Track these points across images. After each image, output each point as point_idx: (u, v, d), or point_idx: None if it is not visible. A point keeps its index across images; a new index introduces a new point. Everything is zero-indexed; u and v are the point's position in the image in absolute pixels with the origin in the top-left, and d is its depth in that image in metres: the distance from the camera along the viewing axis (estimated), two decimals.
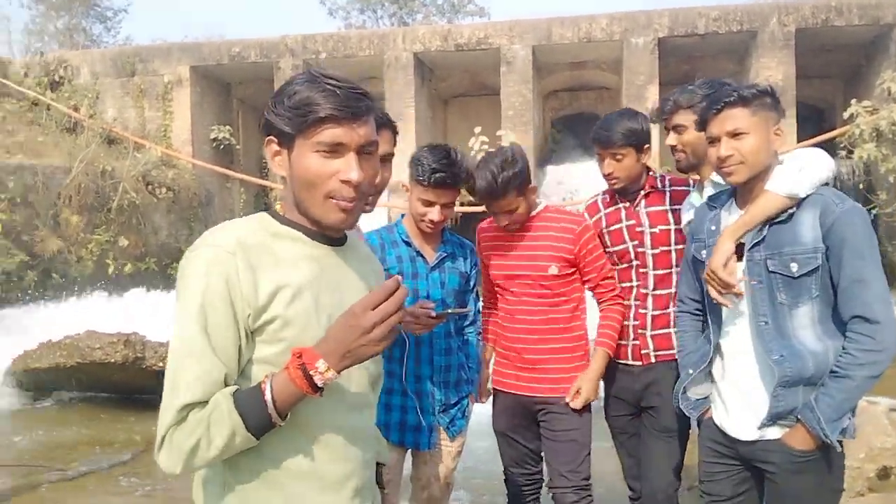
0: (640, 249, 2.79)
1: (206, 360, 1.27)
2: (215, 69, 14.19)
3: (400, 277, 1.36)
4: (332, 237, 1.44)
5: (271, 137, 1.39)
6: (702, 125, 2.15)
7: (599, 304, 2.85)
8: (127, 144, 13.21)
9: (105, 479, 4.70)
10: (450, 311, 2.34)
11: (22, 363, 6.60)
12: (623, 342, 2.81)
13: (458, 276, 2.68)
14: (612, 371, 2.84)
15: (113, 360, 6.12)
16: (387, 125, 2.11)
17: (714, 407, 2.24)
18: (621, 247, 2.84)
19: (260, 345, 1.33)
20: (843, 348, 1.96)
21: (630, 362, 2.80)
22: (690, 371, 2.28)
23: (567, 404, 2.75)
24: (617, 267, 2.88)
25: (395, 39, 13.49)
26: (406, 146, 13.37)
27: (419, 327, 2.31)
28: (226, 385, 1.29)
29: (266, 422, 1.26)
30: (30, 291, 10.68)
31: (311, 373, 1.25)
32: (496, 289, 2.91)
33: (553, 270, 2.74)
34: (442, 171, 2.42)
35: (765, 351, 2.03)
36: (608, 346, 2.77)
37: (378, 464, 1.63)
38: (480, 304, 2.86)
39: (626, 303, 2.83)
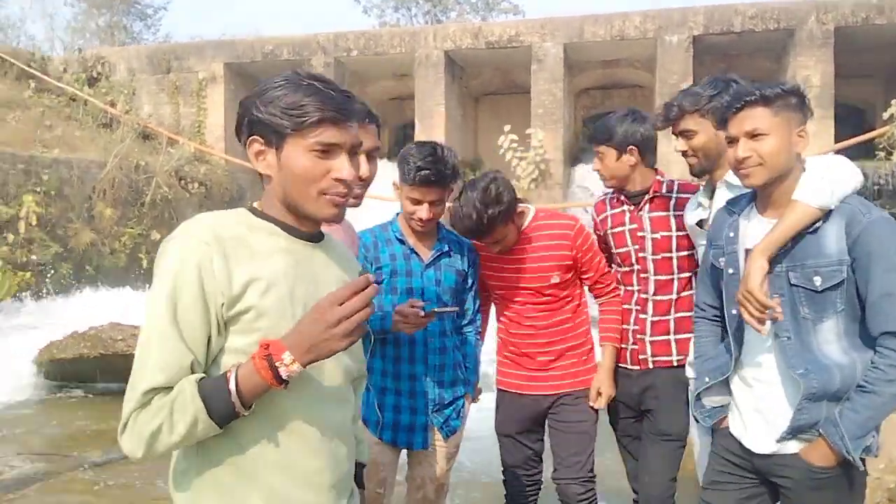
0: (641, 254, 2.75)
1: (172, 347, 1.29)
2: (249, 66, 14.34)
3: (371, 276, 1.36)
4: (310, 234, 1.48)
5: (255, 137, 1.42)
6: (722, 123, 2.07)
7: (597, 299, 2.85)
8: (161, 140, 13.43)
9: (123, 469, 4.76)
10: (437, 309, 2.30)
11: (48, 353, 6.74)
12: (623, 346, 2.77)
13: (454, 273, 2.64)
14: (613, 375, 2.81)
15: (134, 352, 6.18)
16: (373, 120, 2.08)
17: (731, 417, 2.15)
18: (623, 250, 2.81)
19: (233, 335, 1.35)
20: (872, 363, 1.85)
21: (629, 366, 2.76)
22: (707, 379, 2.18)
23: (578, 397, 2.77)
24: (620, 269, 2.85)
25: (426, 37, 13.48)
26: None
27: (408, 326, 2.29)
28: (192, 372, 1.31)
29: (229, 410, 1.28)
30: (63, 282, 10.91)
31: (276, 364, 1.26)
32: (494, 296, 2.90)
33: (555, 279, 2.73)
34: (426, 168, 2.38)
35: (787, 366, 1.94)
36: (614, 340, 2.78)
37: (358, 464, 1.65)
38: (479, 302, 2.82)
39: (624, 305, 2.80)
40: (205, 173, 13.53)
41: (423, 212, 2.46)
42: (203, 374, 1.32)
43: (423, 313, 2.25)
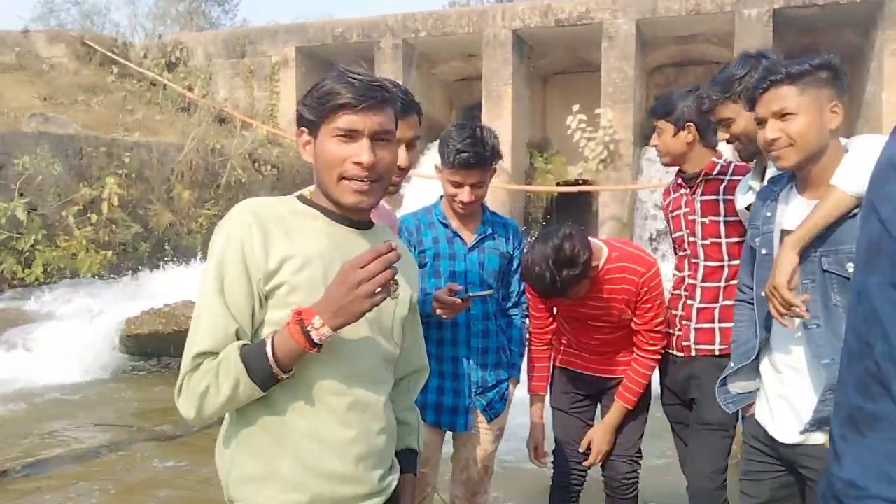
0: (691, 239, 2.68)
1: (219, 315, 1.41)
2: (319, 49, 14.53)
3: (393, 242, 1.40)
4: (354, 220, 1.55)
5: (302, 128, 1.53)
6: (751, 105, 1.98)
7: (637, 350, 2.73)
8: (235, 123, 13.79)
9: (190, 443, 4.96)
10: (472, 293, 2.29)
11: (126, 329, 7.06)
12: (669, 331, 2.71)
13: (498, 256, 2.62)
14: (662, 360, 2.76)
15: None
16: (412, 109, 2.07)
17: (759, 404, 2.10)
18: (678, 234, 2.76)
19: (271, 308, 1.45)
20: None
21: (674, 352, 2.70)
22: (732, 364, 2.15)
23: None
24: (678, 254, 2.79)
25: (494, 16, 13.35)
26: (503, 124, 13.27)
27: (445, 311, 2.28)
28: (238, 339, 1.42)
29: (268, 373, 1.37)
30: (144, 261, 11.37)
31: (307, 328, 1.35)
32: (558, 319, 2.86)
33: (625, 316, 2.68)
34: (465, 151, 2.37)
35: (814, 355, 1.87)
36: (627, 402, 2.72)
37: (412, 450, 1.73)
38: (524, 285, 2.79)
39: (674, 290, 2.73)
40: (277, 156, 13.83)
41: (464, 195, 2.45)
42: (247, 342, 1.42)
43: (459, 300, 2.24)
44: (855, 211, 1.80)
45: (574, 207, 14.47)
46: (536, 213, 14.42)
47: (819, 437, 1.89)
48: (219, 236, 1.46)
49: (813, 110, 1.85)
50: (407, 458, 1.71)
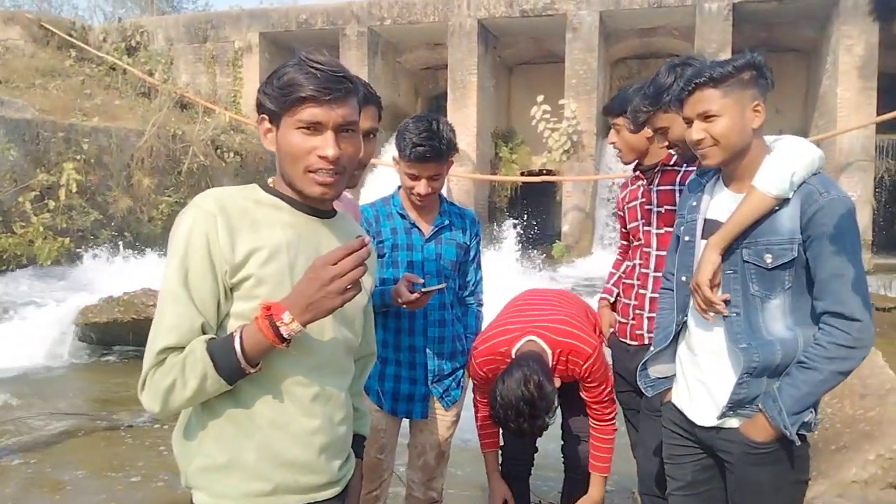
0: (646, 228, 2.73)
1: (183, 309, 1.38)
2: (283, 36, 14.41)
3: (366, 238, 1.40)
4: (318, 209, 1.54)
5: (263, 116, 1.50)
6: (679, 105, 2.06)
7: (592, 421, 2.75)
8: (198, 109, 13.62)
9: (146, 432, 4.94)
10: (424, 290, 2.32)
11: (83, 318, 6.96)
12: (622, 321, 2.77)
13: (455, 247, 2.66)
14: (615, 348, 2.82)
15: None
16: (372, 101, 2.09)
17: (676, 389, 2.17)
18: (633, 224, 2.81)
19: (237, 300, 1.43)
20: (815, 340, 1.86)
21: (627, 341, 2.76)
22: (652, 348, 2.23)
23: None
24: (632, 244, 2.85)
25: (460, 5, 13.36)
26: (468, 113, 13.32)
27: (407, 306, 2.33)
28: (203, 333, 1.40)
29: (236, 367, 1.36)
30: (103, 248, 11.20)
31: (276, 323, 1.34)
32: None
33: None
34: (421, 144, 2.39)
35: (731, 341, 1.96)
36: (603, 471, 2.74)
37: (359, 436, 1.73)
38: (482, 274, 2.84)
39: (626, 280, 2.79)
40: (240, 143, 13.70)
41: (421, 187, 2.48)
42: (213, 336, 1.40)
43: (413, 296, 2.28)
44: (775, 208, 1.90)
45: (538, 197, 14.60)
46: (501, 203, 14.52)
47: (734, 422, 1.95)
48: (181, 227, 1.42)
49: (735, 112, 1.92)
50: (357, 444, 1.72)
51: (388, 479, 2.70)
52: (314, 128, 1.44)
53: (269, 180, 1.56)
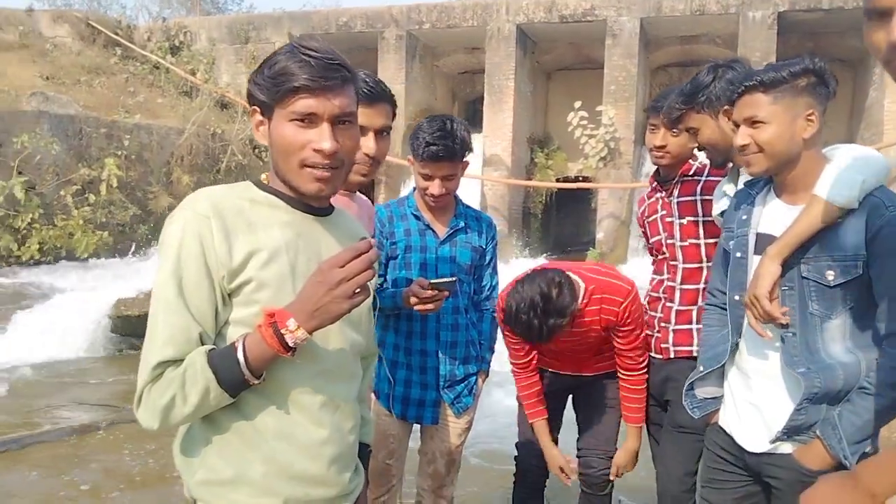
0: (669, 241, 2.66)
1: (180, 319, 1.30)
2: (324, 38, 14.32)
3: (372, 240, 1.37)
4: (315, 206, 1.46)
5: (255, 108, 1.42)
6: (731, 106, 1.95)
7: (622, 370, 2.70)
8: (237, 109, 13.79)
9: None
10: (433, 281, 2.26)
11: (116, 310, 7.09)
12: (647, 333, 2.71)
13: (470, 250, 2.62)
14: None
15: None
16: (384, 99, 2.06)
17: (724, 411, 2.07)
18: (656, 238, 2.73)
19: (236, 307, 1.35)
20: (878, 364, 1.72)
21: (652, 355, 2.69)
22: (701, 368, 2.11)
23: (612, 376, 2.74)
24: (657, 258, 2.78)
25: (499, 10, 13.33)
26: (505, 118, 13.27)
27: (422, 308, 2.29)
28: (202, 344, 1.32)
29: (239, 379, 1.29)
30: (142, 243, 11.40)
31: (281, 331, 1.27)
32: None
33: (599, 339, 2.65)
34: (435, 144, 2.36)
35: (787, 364, 1.84)
36: (638, 422, 2.71)
37: (363, 444, 1.65)
38: (498, 278, 2.79)
39: (652, 293, 2.73)
40: None
41: (434, 187, 2.45)
42: (213, 346, 1.33)
43: (426, 293, 2.24)
44: (838, 220, 1.78)
45: (573, 204, 14.48)
46: (535, 209, 14.42)
47: (787, 447, 1.85)
48: (172, 231, 1.33)
49: (784, 120, 1.82)
50: (362, 454, 1.64)
51: (398, 485, 2.68)
52: (309, 120, 1.35)
53: (263, 176, 1.47)
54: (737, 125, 1.91)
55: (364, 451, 1.67)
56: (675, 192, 2.67)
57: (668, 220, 2.67)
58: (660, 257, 2.74)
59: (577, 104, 12.34)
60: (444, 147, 2.36)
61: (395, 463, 2.63)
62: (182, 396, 1.28)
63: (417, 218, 2.58)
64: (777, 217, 1.91)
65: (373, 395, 2.61)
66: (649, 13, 12.60)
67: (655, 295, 2.73)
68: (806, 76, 1.82)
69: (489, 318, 2.76)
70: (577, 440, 2.84)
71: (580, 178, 13.39)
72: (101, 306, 7.52)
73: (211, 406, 1.31)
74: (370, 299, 1.58)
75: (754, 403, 1.94)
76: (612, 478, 2.73)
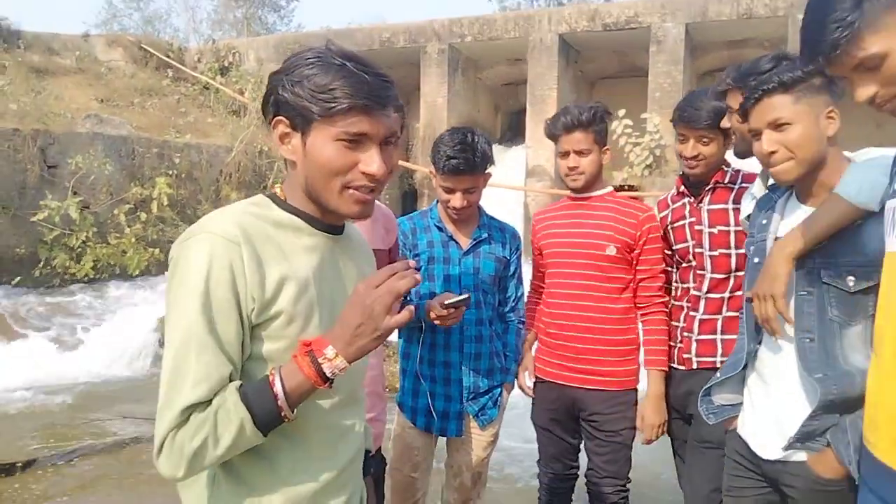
0: (697, 250, 2.58)
1: (212, 357, 1.19)
2: (367, 55, 14.50)
3: (412, 262, 1.36)
4: (334, 225, 1.39)
5: (281, 118, 1.30)
6: (744, 117, 1.91)
7: (640, 309, 2.66)
8: None
9: None
10: (449, 301, 2.23)
11: (162, 326, 7.23)
12: (670, 343, 2.63)
13: (494, 261, 2.60)
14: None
15: None
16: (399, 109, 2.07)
17: (742, 417, 2.02)
18: (682, 245, 2.65)
19: (263, 341, 1.27)
20: None
21: (675, 366, 2.62)
22: (719, 374, 2.07)
23: (613, 403, 2.65)
24: (679, 266, 2.71)
25: (541, 21, 13.28)
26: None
27: (440, 323, 2.29)
28: (230, 382, 1.23)
29: (275, 415, 1.20)
30: None
31: (319, 360, 1.20)
32: (548, 272, 2.79)
33: (611, 251, 2.62)
34: (455, 157, 2.36)
35: (805, 369, 1.78)
36: (661, 364, 2.63)
37: (366, 451, 1.62)
38: (523, 289, 2.76)
39: (675, 301, 2.66)
40: None
41: (456, 200, 2.45)
42: (241, 382, 1.23)
43: (443, 312, 2.23)
44: (858, 221, 1.72)
45: None
46: None
47: (802, 455, 1.81)
48: (197, 257, 1.20)
49: (809, 118, 1.77)
50: (364, 460, 1.61)
51: (422, 499, 2.66)
52: (358, 140, 1.27)
53: (278, 189, 1.38)
54: (756, 133, 1.84)
55: (368, 459, 1.66)
56: (707, 200, 2.59)
57: (698, 227, 2.59)
58: (684, 265, 2.66)
59: (622, 112, 12.19)
60: (465, 160, 2.36)
61: (420, 476, 2.62)
62: (214, 439, 1.18)
63: (440, 229, 2.57)
64: (798, 222, 1.85)
65: (397, 408, 2.60)
66: (694, 18, 12.40)
67: (679, 304, 2.66)
68: (819, 75, 1.77)
69: (514, 330, 2.73)
70: (587, 469, 2.77)
71: (625, 187, 13.21)
72: (150, 322, 7.72)
73: (240, 449, 1.22)
74: None
75: (771, 409, 1.89)
76: (646, 440, 2.66)
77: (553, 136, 2.66)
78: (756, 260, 1.96)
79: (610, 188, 2.80)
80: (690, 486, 2.53)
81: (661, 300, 2.66)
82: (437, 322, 2.29)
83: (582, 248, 2.67)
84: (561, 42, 13.20)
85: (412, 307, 1.25)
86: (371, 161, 1.27)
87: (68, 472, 4.40)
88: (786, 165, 1.80)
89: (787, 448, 1.81)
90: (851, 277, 1.72)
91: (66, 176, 10.07)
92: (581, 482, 2.82)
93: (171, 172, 11.54)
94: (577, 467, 2.83)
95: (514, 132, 15.55)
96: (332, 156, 1.27)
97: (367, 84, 1.25)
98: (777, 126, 1.79)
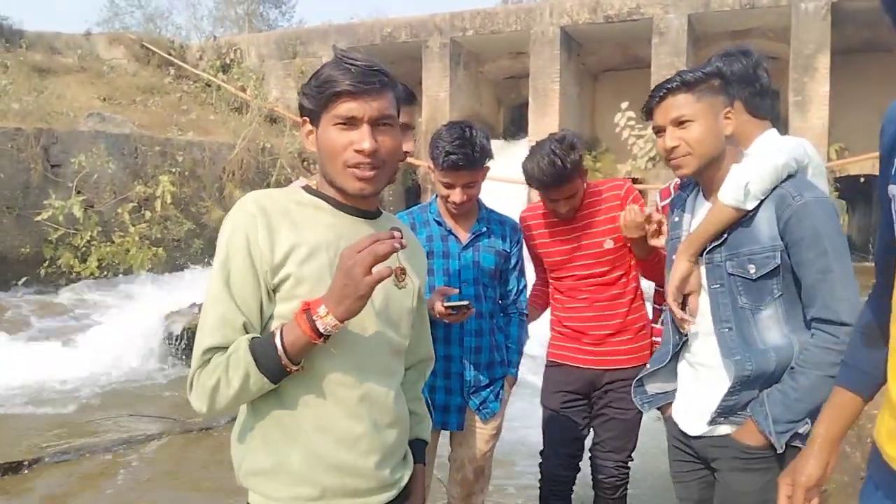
0: None
1: (226, 309, 1.41)
2: (369, 49, 14.63)
3: (397, 233, 1.39)
4: (361, 209, 1.55)
5: (304, 118, 1.52)
6: (647, 115, 2.00)
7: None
8: (286, 123, 14.03)
9: (217, 435, 5.08)
10: (449, 304, 2.25)
11: (169, 322, 7.26)
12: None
13: (493, 255, 2.59)
14: None
15: None
16: (404, 99, 2.07)
17: (675, 403, 2.12)
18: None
19: (279, 302, 1.45)
20: (804, 345, 1.81)
21: None
22: (648, 366, 2.19)
23: (627, 382, 2.68)
24: None
25: (542, 13, 13.25)
26: (550, 122, 13.15)
27: (447, 319, 2.30)
28: (246, 333, 1.42)
29: (277, 365, 1.37)
30: (196, 257, 11.66)
31: (313, 317, 1.35)
32: (551, 275, 2.90)
33: (608, 244, 2.73)
34: (454, 153, 2.36)
35: (724, 355, 1.91)
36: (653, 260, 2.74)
37: (421, 440, 1.75)
38: (525, 282, 2.77)
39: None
40: None
41: (455, 195, 2.44)
42: (257, 335, 1.42)
43: (439, 306, 2.24)
44: (751, 214, 1.85)
45: None
46: None
47: (726, 428, 1.91)
48: (224, 231, 1.46)
49: (709, 117, 1.88)
50: (417, 449, 1.73)
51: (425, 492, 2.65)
52: (350, 122, 1.45)
53: (313, 182, 1.58)
54: (660, 130, 1.94)
55: (421, 448, 1.75)
56: None
57: None
58: None
59: (624, 105, 12.16)
60: (464, 156, 2.37)
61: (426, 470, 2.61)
62: (226, 380, 1.38)
63: (439, 224, 2.57)
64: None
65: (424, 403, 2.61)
66: (697, 9, 12.35)
67: None
68: (717, 77, 1.91)
69: (517, 322, 2.73)
70: (593, 444, 2.87)
71: (630, 180, 13.19)
72: (155, 319, 7.72)
73: (252, 391, 1.40)
74: (412, 303, 1.63)
75: (699, 392, 2.00)
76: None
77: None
78: (673, 257, 2.05)
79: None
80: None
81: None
82: (438, 317, 2.30)
83: (580, 251, 2.75)
84: (563, 35, 13.16)
85: (390, 267, 1.35)
86: (362, 139, 1.44)
87: (75, 471, 4.41)
88: (684, 160, 1.91)
89: (710, 423, 1.92)
90: (752, 266, 1.84)
91: (70, 175, 10.09)
92: (581, 490, 2.84)
93: (174, 170, 11.55)
94: (580, 457, 2.86)
95: (517, 126, 15.53)
96: (331, 138, 1.46)
97: (352, 72, 1.43)
98: (679, 123, 1.89)
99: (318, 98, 1.46)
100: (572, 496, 2.87)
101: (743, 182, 1.82)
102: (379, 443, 1.51)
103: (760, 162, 1.86)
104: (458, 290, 2.39)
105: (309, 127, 1.52)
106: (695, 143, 1.88)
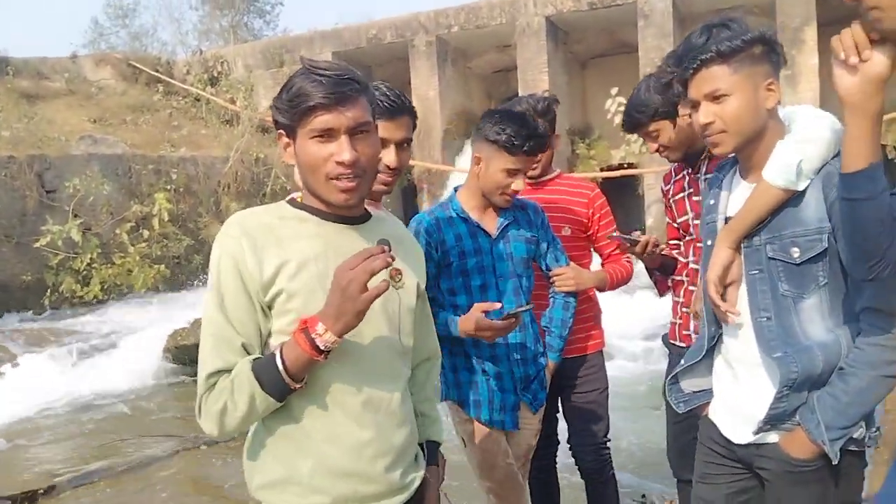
0: (696, 222, 2.54)
1: (223, 332, 1.43)
2: (355, 53, 14.61)
3: (386, 247, 1.40)
4: (346, 216, 1.55)
5: (280, 131, 1.51)
6: (683, 87, 1.82)
7: (606, 261, 2.91)
8: None
9: (227, 450, 5.07)
10: (512, 311, 2.18)
11: (173, 340, 7.25)
12: (672, 321, 2.62)
13: (524, 242, 2.52)
14: (669, 353, 2.67)
15: None
16: (405, 111, 2.02)
17: (713, 403, 1.97)
18: (684, 218, 2.60)
19: (274, 317, 1.46)
20: (855, 343, 1.64)
21: (676, 342, 2.59)
22: (683, 361, 2.01)
23: (586, 367, 2.85)
24: (684, 239, 2.67)
25: (526, 4, 13.22)
26: None
27: (490, 334, 2.25)
28: (246, 353, 1.44)
29: (281, 385, 1.39)
30: (198, 273, 11.67)
31: (312, 336, 1.36)
32: None
33: (566, 232, 2.79)
34: (534, 137, 2.36)
35: (764, 350, 1.74)
36: (608, 274, 2.82)
37: (432, 442, 1.74)
38: (565, 260, 2.68)
39: (675, 276, 2.63)
40: None
41: (518, 183, 2.38)
42: (259, 356, 1.44)
43: (500, 323, 2.18)
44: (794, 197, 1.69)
45: (619, 192, 14.19)
46: None
47: (774, 436, 1.76)
48: (213, 254, 1.47)
49: (747, 90, 1.69)
50: (430, 450, 1.72)
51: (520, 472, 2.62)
52: (328, 135, 1.44)
53: (298, 195, 1.57)
54: (695, 105, 1.77)
55: (433, 449, 1.74)
56: (703, 169, 2.55)
57: (696, 198, 2.56)
58: (687, 238, 2.62)
59: (614, 91, 12.12)
60: (537, 141, 2.39)
61: (510, 460, 2.54)
62: (233, 403, 1.40)
63: (465, 220, 2.49)
64: (743, 199, 1.80)
65: (454, 410, 2.56)
66: None
67: (679, 278, 2.63)
68: (759, 43, 1.70)
69: (561, 304, 2.66)
70: (569, 436, 2.90)
71: (624, 166, 13.17)
72: (160, 338, 7.73)
73: (259, 411, 1.42)
74: (413, 302, 1.61)
75: (739, 393, 1.84)
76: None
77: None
78: (709, 243, 1.91)
79: (558, 171, 3.00)
80: (683, 457, 2.54)
81: (628, 259, 2.90)
82: (487, 339, 2.28)
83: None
84: (548, 24, 13.13)
85: (386, 280, 1.37)
86: (341, 151, 1.44)
87: (88, 495, 4.40)
88: (720, 137, 1.73)
89: (757, 432, 1.77)
90: (796, 249, 1.68)
91: (65, 199, 10.08)
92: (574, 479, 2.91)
93: (169, 187, 11.55)
94: (556, 433, 2.95)
95: None
96: (309, 151, 1.46)
97: (323, 84, 1.42)
98: (714, 98, 1.72)
99: (291, 112, 1.44)
100: (564, 487, 2.97)
101: (794, 160, 1.64)
102: (387, 446, 1.52)
103: (810, 136, 1.70)
104: (500, 305, 2.28)
105: (286, 140, 1.51)
106: (731, 120, 1.70)
